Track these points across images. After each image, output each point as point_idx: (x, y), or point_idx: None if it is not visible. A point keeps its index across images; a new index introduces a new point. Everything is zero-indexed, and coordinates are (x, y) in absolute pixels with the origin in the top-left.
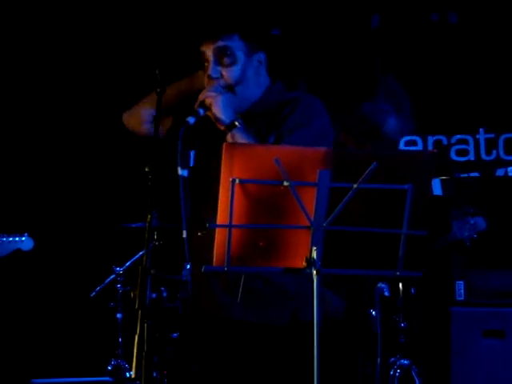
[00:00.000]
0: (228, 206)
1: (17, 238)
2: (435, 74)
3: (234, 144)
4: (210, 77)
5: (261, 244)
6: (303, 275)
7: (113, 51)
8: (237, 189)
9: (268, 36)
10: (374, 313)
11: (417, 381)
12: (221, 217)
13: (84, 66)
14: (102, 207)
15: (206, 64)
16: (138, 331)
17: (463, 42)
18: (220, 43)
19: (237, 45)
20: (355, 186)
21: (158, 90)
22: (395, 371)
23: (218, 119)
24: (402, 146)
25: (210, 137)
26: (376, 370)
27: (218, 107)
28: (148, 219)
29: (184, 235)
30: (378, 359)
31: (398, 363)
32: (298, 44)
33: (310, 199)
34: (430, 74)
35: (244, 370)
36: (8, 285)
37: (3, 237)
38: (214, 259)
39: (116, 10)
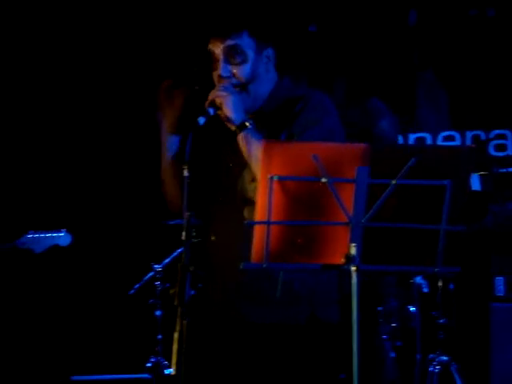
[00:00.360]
0: (266, 203)
1: (54, 234)
2: (473, 69)
3: (273, 141)
4: (220, 76)
5: (299, 241)
6: (311, 274)
7: (120, 50)
8: (275, 186)
9: (276, 31)
10: (413, 309)
11: (456, 377)
12: (259, 214)
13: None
14: (141, 204)
15: (215, 63)
16: (177, 328)
17: (501, 37)
18: (229, 42)
19: (246, 42)
20: (394, 182)
21: (196, 87)
22: (434, 367)
23: (228, 119)
24: (440, 142)
25: (220, 135)
26: (416, 366)
27: (229, 107)
28: (187, 216)
29: (183, 237)
30: (418, 355)
31: (437, 359)
32: (335, 41)
33: (348, 195)
34: (468, 69)
35: (259, 371)
36: (47, 281)
37: (41, 233)
38: (253, 256)
39: (122, 9)
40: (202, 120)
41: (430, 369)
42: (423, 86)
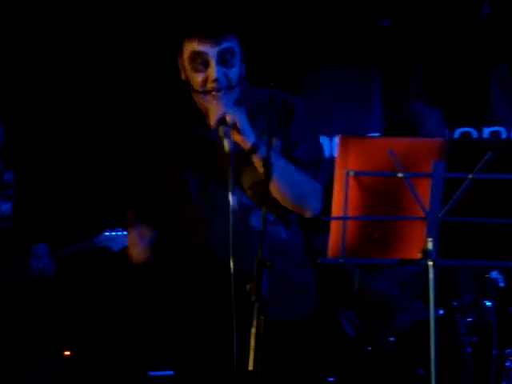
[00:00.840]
0: (343, 198)
1: None
2: None
3: (349, 136)
4: (213, 79)
5: (376, 236)
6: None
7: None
8: (351, 181)
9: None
10: (489, 304)
11: None
12: (335, 209)
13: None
14: None
15: (197, 64)
16: (254, 323)
17: None
18: (226, 44)
19: (236, 44)
20: (470, 176)
21: (272, 84)
22: (511, 363)
23: (243, 139)
24: None
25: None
26: (492, 361)
27: (243, 127)
28: (263, 212)
29: None
30: (494, 351)
31: None
32: (409, 35)
33: (424, 190)
34: None
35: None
36: (123, 277)
37: (119, 230)
38: (329, 251)
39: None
40: (232, 146)
41: (507, 364)
42: (497, 79)
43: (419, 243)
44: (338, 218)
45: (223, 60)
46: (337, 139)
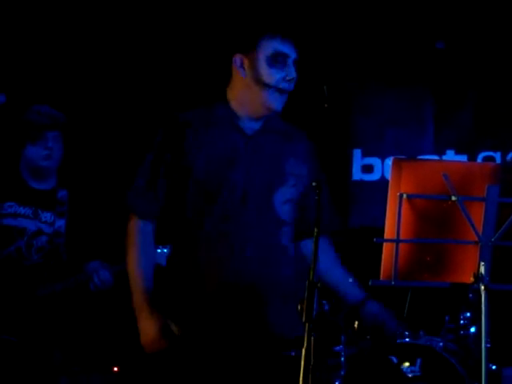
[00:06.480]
0: (395, 220)
1: (159, 250)
2: None
3: (402, 159)
4: (292, 79)
5: (428, 259)
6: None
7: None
8: (404, 203)
9: None
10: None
11: None
12: (388, 231)
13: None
14: None
15: (274, 63)
16: (304, 344)
17: None
18: (297, 50)
19: None
20: None
21: (326, 105)
22: None
23: None
24: None
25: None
26: None
27: None
28: (315, 233)
29: None
30: None
31: None
32: (463, 57)
33: (477, 214)
34: None
35: None
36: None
37: (165, 247)
38: (381, 273)
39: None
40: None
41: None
42: None
43: (471, 267)
44: (391, 241)
45: (294, 64)
46: (389, 161)
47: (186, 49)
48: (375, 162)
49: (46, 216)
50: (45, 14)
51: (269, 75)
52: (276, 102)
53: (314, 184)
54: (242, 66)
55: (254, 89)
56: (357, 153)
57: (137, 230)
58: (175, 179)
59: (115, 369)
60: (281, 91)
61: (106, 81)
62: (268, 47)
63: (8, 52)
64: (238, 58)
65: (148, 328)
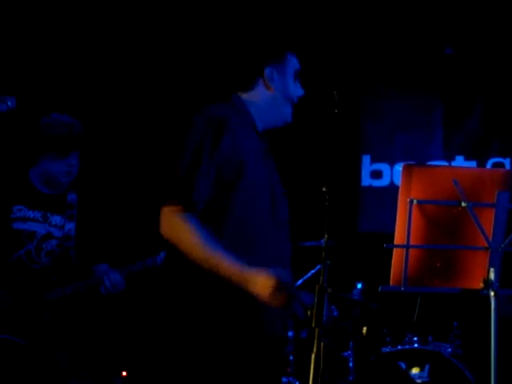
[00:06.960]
0: (405, 226)
1: None
2: None
3: (412, 165)
4: (299, 96)
5: (438, 264)
6: None
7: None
8: (414, 209)
9: None
10: None
11: None
12: (398, 237)
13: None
14: None
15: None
16: (314, 350)
17: None
18: None
19: None
20: None
21: (336, 111)
22: None
23: None
24: None
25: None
26: None
27: None
28: (325, 239)
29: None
30: None
31: None
32: (472, 63)
33: (487, 220)
34: None
35: None
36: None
37: None
38: (391, 279)
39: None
40: None
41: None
42: None
43: (481, 273)
44: (401, 246)
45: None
46: (398, 167)
47: (196, 60)
48: (384, 167)
49: (56, 219)
50: (54, 20)
51: (294, 91)
52: (290, 116)
53: (324, 189)
54: (272, 78)
55: (280, 102)
56: (366, 158)
57: (189, 221)
58: (224, 174)
59: (124, 373)
60: (293, 106)
61: (115, 83)
62: (292, 63)
63: (17, 57)
64: (269, 70)
65: (264, 278)
